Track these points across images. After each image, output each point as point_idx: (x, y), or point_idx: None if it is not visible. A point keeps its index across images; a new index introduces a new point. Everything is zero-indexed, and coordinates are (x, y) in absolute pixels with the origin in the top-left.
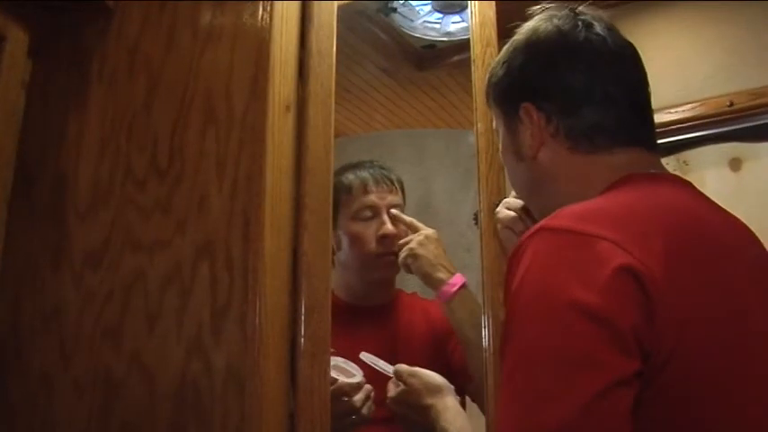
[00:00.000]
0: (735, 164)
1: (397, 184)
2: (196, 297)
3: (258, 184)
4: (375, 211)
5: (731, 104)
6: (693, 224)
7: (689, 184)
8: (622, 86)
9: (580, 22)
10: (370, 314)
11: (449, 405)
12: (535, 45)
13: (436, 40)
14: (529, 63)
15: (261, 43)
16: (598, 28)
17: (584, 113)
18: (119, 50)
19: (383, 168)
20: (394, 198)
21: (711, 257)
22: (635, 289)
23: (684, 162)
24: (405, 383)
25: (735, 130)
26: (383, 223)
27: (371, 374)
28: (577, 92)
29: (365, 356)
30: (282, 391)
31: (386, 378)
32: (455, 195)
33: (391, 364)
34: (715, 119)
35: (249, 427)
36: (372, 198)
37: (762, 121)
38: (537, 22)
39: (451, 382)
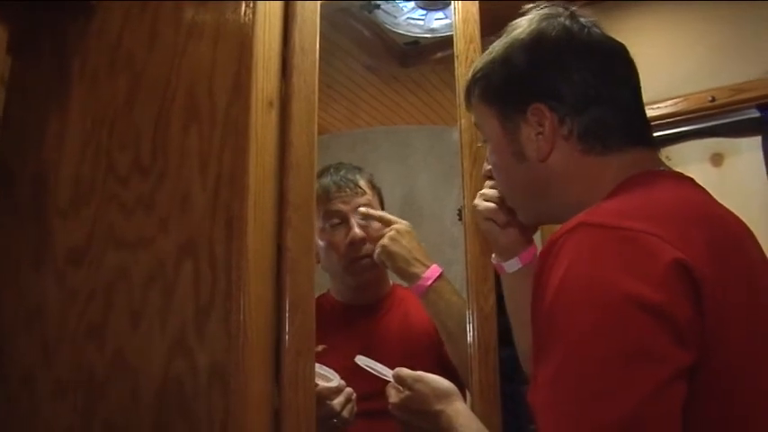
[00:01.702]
0: (716, 159)
1: (364, 186)
2: (179, 295)
3: (241, 180)
4: (342, 217)
5: (713, 100)
6: (716, 219)
7: (692, 180)
8: (627, 86)
9: (584, 23)
10: (363, 312)
11: (459, 409)
12: (543, 44)
13: (419, 37)
14: (538, 62)
15: (243, 40)
16: (598, 29)
17: (595, 113)
18: (100, 48)
19: (347, 171)
20: (360, 200)
21: (735, 251)
22: (687, 283)
23: (667, 157)
24: (410, 389)
25: (716, 125)
26: (351, 228)
27: (355, 372)
28: (589, 92)
29: (361, 360)
30: (267, 389)
31: (369, 373)
32: (439, 192)
33: (384, 359)
34: (697, 114)
35: (234, 425)
36: (337, 204)
37: (743, 117)
38: (539, 21)
39: (448, 373)
